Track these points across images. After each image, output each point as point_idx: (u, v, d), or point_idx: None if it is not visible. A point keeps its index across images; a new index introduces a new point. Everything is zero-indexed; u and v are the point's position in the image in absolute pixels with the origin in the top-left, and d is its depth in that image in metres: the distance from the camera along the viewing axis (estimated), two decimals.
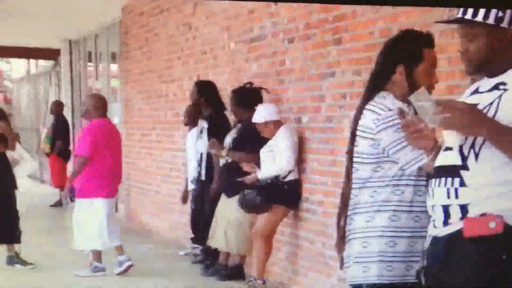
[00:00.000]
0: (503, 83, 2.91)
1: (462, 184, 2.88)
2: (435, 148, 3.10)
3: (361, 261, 3.61)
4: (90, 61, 15.35)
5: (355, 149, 3.64)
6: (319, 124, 6.50)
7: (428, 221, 3.33)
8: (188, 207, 8.49)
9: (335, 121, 6.23)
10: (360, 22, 5.89)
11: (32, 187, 16.50)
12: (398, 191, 3.55)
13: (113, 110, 12.11)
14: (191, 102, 8.12)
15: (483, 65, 2.98)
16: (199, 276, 7.58)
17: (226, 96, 7.75)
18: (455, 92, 4.65)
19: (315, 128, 6.56)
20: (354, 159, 3.64)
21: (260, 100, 7.07)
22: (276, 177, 6.66)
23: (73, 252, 8.02)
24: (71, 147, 13.73)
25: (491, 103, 2.88)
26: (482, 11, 2.90)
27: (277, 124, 6.71)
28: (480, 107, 2.89)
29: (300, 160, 6.71)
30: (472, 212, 2.86)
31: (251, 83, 7.24)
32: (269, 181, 6.66)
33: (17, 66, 25.06)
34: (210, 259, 7.80)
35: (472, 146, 2.88)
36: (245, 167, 6.99)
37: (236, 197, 6.84)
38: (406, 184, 3.55)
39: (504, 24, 2.91)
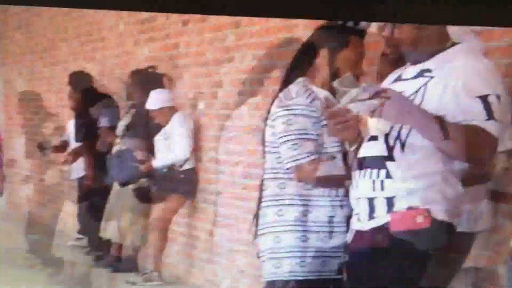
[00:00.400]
0: (428, 70, 2.85)
1: (388, 175, 2.81)
2: (358, 139, 2.99)
3: (273, 257, 3.45)
4: None
5: (265, 137, 3.49)
6: (216, 111, 6.31)
7: (343, 215, 3.22)
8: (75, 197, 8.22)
9: (233, 108, 6.06)
10: None
11: None
12: (307, 184, 3.38)
13: None
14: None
15: (408, 52, 2.91)
16: (91, 268, 7.33)
17: (113, 81, 7.51)
18: None
19: (212, 115, 6.37)
20: (265, 148, 3.48)
21: (160, 86, 6.85)
22: (172, 165, 6.49)
23: None
24: None
25: (417, 91, 2.81)
26: None
27: (172, 110, 6.53)
28: (405, 95, 2.80)
29: (197, 148, 6.51)
30: (399, 206, 2.80)
31: (154, 67, 6.99)
32: (165, 169, 6.49)
33: None
34: (102, 250, 7.57)
35: (398, 136, 2.80)
36: (139, 154, 6.78)
37: (130, 186, 6.64)
38: None
39: None
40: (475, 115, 2.71)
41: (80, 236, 8.11)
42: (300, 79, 3.43)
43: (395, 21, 2.56)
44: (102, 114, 7.27)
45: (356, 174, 2.96)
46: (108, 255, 7.29)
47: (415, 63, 2.90)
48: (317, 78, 3.43)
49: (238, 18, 5.94)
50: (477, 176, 2.98)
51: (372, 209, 2.86)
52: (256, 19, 5.75)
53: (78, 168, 7.84)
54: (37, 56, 10.28)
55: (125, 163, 6.83)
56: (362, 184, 2.90)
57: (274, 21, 5.50)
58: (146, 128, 6.74)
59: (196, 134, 6.53)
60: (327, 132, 3.18)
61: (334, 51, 3.43)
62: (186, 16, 6.63)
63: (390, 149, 2.81)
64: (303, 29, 5.26)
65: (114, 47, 8.07)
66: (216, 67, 6.27)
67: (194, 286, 6.63)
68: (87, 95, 7.51)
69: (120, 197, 6.94)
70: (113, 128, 7.09)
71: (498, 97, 2.75)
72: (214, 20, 6.24)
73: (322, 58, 3.43)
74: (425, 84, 2.82)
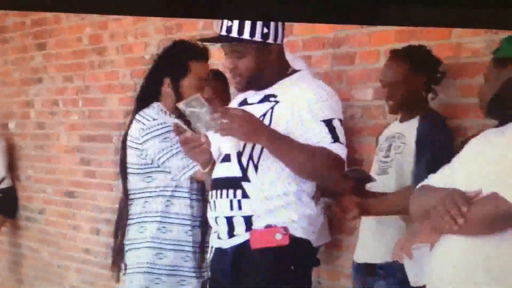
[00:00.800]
0: (273, 95, 2.96)
1: (245, 195, 2.89)
2: (211, 161, 3.08)
3: (132, 272, 3.55)
4: None
5: (127, 159, 3.56)
6: (29, 131, 6.30)
7: (201, 234, 3.39)
8: None
9: (48, 128, 6.07)
10: (66, 28, 5.75)
11: None
12: (168, 202, 3.50)
13: None
14: None
15: (253, 80, 2.98)
16: None
17: None
18: None
19: (26, 134, 6.35)
20: (128, 170, 3.56)
21: None
22: None
23: None
24: None
25: (264, 114, 2.91)
26: (247, 28, 2.90)
27: None
28: None
29: (14, 168, 6.49)
30: (257, 224, 2.88)
31: None
32: None
33: None
34: None
35: (251, 157, 2.90)
36: None
37: None
38: (179, 196, 3.51)
39: (270, 39, 2.93)
40: (321, 138, 2.83)
41: None
42: (155, 104, 3.52)
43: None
44: None
45: (213, 194, 2.98)
46: None
47: (259, 89, 3.00)
48: (167, 104, 3.53)
49: (42, 40, 5.94)
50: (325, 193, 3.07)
51: (231, 228, 2.91)
52: (63, 41, 5.79)
53: None
54: None
55: None
56: (220, 204, 2.93)
57: (83, 44, 5.56)
58: None
59: (11, 153, 6.47)
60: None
61: (176, 80, 3.52)
62: None
63: (244, 170, 2.89)
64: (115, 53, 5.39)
65: None
66: (25, 88, 6.23)
67: None
68: None
69: None
70: None
71: (340, 120, 2.91)
72: (18, 41, 6.20)
73: (167, 86, 3.53)
74: (272, 108, 2.92)
